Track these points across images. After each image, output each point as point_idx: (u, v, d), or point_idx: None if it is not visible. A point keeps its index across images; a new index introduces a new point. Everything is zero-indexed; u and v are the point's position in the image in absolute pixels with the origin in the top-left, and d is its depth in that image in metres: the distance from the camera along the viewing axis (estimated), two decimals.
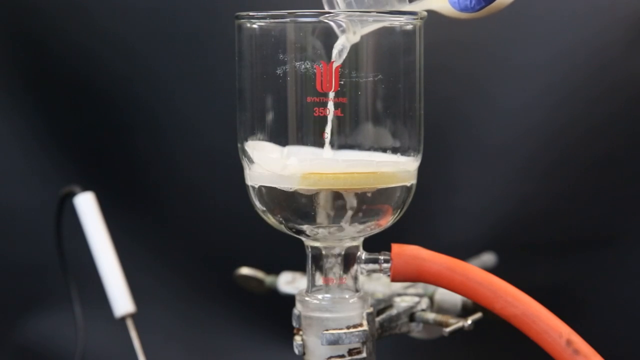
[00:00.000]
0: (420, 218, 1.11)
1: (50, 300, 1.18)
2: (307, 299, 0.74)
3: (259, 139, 0.72)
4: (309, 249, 0.75)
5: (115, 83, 1.18)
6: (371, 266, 0.74)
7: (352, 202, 0.71)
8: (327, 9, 0.70)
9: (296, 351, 0.75)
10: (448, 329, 0.78)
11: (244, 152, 0.73)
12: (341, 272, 0.75)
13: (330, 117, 0.70)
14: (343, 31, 0.69)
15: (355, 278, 0.75)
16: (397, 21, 0.71)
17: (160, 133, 1.19)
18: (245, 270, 0.97)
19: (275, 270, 0.96)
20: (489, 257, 1.04)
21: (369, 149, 0.71)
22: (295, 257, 0.84)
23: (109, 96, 1.18)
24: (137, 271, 1.07)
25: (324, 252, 0.74)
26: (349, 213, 0.71)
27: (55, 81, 1.19)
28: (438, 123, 1.11)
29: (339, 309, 0.73)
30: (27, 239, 1.19)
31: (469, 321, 0.78)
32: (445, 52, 1.10)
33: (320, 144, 0.70)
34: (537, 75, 1.11)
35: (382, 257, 0.74)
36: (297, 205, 0.71)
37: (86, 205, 0.92)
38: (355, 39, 0.69)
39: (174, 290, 1.21)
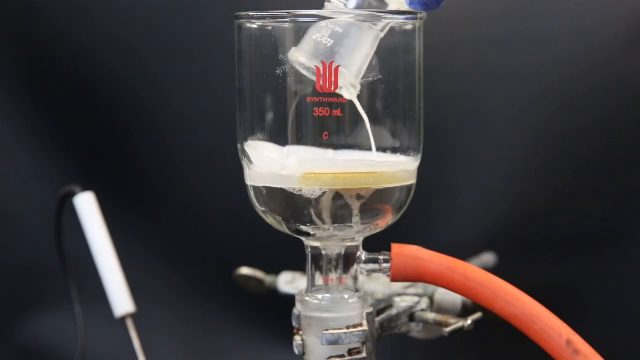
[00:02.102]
0: (420, 218, 1.11)
1: (50, 300, 1.18)
2: (307, 299, 0.74)
3: (259, 139, 0.72)
4: (309, 249, 0.75)
5: (115, 83, 1.18)
6: (371, 266, 0.74)
7: (352, 202, 0.71)
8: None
9: (296, 351, 0.75)
10: (448, 329, 0.78)
11: (244, 152, 0.73)
12: (341, 272, 0.74)
13: (364, 117, 0.70)
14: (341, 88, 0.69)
15: (355, 278, 0.75)
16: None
17: (160, 133, 1.19)
18: (245, 270, 0.97)
19: (275, 270, 0.96)
20: (489, 257, 1.04)
21: (369, 149, 0.71)
22: (295, 257, 0.84)
23: (109, 96, 1.18)
24: (137, 271, 1.07)
25: (323, 252, 0.74)
26: (349, 213, 0.71)
27: (55, 81, 1.19)
28: (438, 123, 1.11)
29: (339, 309, 0.73)
30: (27, 239, 1.19)
31: (469, 321, 0.78)
32: (445, 52, 1.10)
33: (320, 144, 0.70)
34: (536, 75, 1.11)
35: (382, 257, 0.73)
36: (297, 205, 0.71)
37: (86, 205, 0.92)
38: (357, 90, 0.70)
39: (174, 290, 1.21)
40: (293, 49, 0.69)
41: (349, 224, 0.72)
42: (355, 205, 0.71)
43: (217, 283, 1.19)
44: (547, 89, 1.11)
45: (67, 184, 0.95)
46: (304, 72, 0.69)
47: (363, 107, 0.70)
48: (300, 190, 0.70)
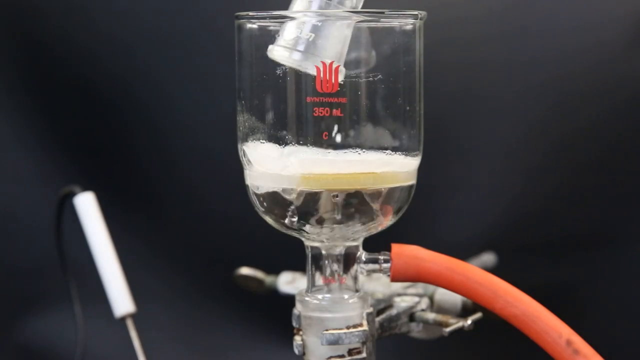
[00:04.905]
0: (420, 218, 1.11)
1: (50, 300, 1.18)
2: (307, 299, 0.74)
3: (259, 139, 0.72)
4: (309, 249, 0.75)
5: (115, 83, 1.18)
6: (371, 266, 0.74)
7: (351, 202, 0.71)
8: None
9: (296, 351, 0.75)
10: (448, 329, 0.78)
11: (244, 152, 0.73)
12: (341, 272, 0.74)
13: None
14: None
15: (355, 278, 0.75)
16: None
17: (160, 133, 1.19)
18: (245, 270, 0.97)
19: (275, 270, 0.96)
20: (489, 257, 1.04)
21: (369, 149, 0.71)
22: (295, 257, 0.84)
23: (109, 96, 1.18)
24: (137, 271, 1.07)
25: (324, 252, 0.74)
26: (349, 213, 0.71)
27: (55, 81, 1.19)
28: (438, 123, 1.11)
29: (339, 309, 0.73)
30: (27, 239, 1.19)
31: (469, 321, 0.78)
32: (445, 51, 1.10)
33: (320, 144, 0.70)
34: (536, 76, 1.11)
35: (382, 257, 0.74)
36: (296, 205, 0.71)
37: (86, 205, 0.92)
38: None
39: (174, 290, 1.21)
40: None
41: (348, 224, 0.72)
42: (355, 206, 0.71)
43: (217, 283, 1.19)
44: (546, 89, 1.11)
45: (67, 184, 0.95)
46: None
47: (363, 107, 0.70)
48: (300, 191, 0.70)
